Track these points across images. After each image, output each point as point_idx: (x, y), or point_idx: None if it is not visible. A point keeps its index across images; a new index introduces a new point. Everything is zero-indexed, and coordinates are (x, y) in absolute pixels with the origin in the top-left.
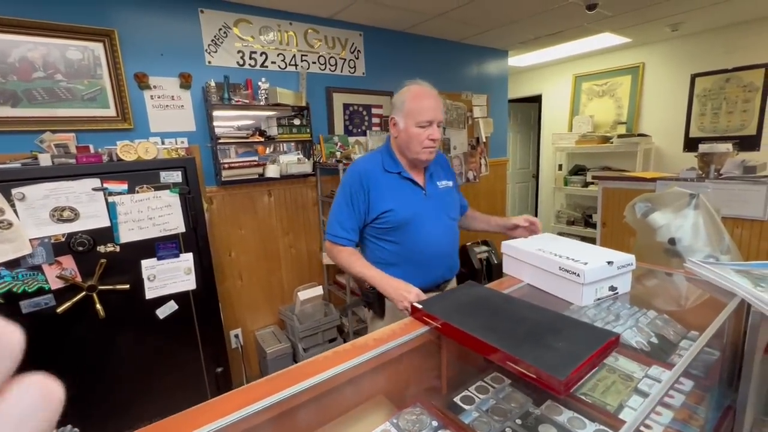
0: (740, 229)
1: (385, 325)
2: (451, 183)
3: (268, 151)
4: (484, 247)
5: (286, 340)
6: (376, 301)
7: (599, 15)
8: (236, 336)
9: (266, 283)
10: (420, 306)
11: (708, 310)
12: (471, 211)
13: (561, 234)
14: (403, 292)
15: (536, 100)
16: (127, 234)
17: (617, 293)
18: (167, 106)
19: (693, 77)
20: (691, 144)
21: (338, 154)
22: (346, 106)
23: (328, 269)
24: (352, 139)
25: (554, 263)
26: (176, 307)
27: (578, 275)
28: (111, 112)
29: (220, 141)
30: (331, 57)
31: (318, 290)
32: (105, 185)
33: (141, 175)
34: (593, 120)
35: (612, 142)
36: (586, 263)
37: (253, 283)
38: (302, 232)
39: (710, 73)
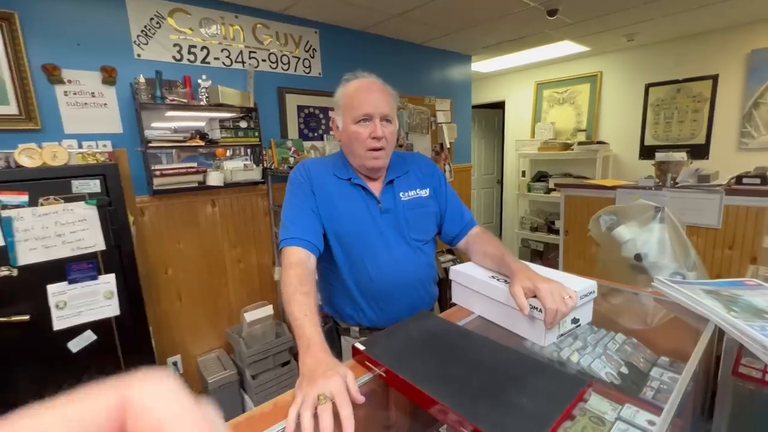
0: (696, 237)
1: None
2: (426, 191)
3: (228, 153)
4: (450, 256)
5: (233, 366)
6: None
7: (560, 22)
8: (175, 363)
9: (210, 303)
10: (362, 347)
11: (677, 332)
12: (482, 231)
13: (524, 240)
14: (304, 384)
15: (500, 106)
16: (28, 255)
17: (579, 325)
18: (86, 104)
19: (647, 87)
20: (646, 152)
21: (292, 159)
22: (300, 108)
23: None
24: (307, 144)
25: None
26: (95, 337)
27: (541, 311)
28: (11, 109)
29: (151, 145)
30: (283, 55)
31: (268, 310)
32: None
33: (46, 185)
34: (555, 127)
35: (573, 149)
36: None
37: (194, 302)
38: (252, 244)
39: (663, 83)
